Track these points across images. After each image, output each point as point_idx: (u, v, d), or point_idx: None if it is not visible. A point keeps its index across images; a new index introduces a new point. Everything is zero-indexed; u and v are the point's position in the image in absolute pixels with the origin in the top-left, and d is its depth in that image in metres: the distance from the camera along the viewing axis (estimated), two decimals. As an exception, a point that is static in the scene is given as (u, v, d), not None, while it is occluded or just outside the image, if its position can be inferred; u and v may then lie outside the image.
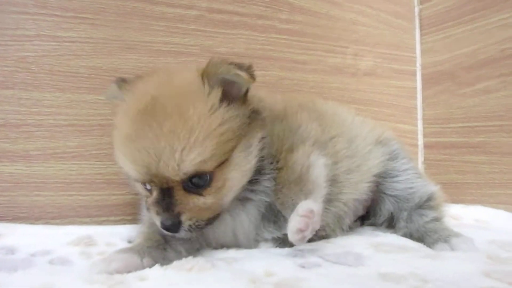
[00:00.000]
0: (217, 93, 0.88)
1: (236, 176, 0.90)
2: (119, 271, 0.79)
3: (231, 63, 0.89)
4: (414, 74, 1.90)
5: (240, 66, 0.89)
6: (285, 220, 0.93)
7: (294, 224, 0.87)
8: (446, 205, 1.19)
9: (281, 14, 1.57)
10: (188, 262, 0.84)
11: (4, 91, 1.16)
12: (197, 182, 0.87)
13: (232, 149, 0.88)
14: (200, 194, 0.88)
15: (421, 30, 1.91)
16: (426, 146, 1.86)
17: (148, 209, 0.91)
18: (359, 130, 1.19)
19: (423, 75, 1.89)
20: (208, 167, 0.85)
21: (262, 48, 1.52)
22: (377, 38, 1.81)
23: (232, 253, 0.96)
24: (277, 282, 0.74)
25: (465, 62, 1.70)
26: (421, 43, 1.91)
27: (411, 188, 1.17)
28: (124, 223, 1.25)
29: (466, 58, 1.70)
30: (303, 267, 0.83)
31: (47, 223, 1.18)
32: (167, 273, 0.79)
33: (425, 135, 1.87)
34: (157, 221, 0.87)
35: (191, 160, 0.84)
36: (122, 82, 0.95)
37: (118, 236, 1.09)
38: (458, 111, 1.71)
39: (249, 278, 0.75)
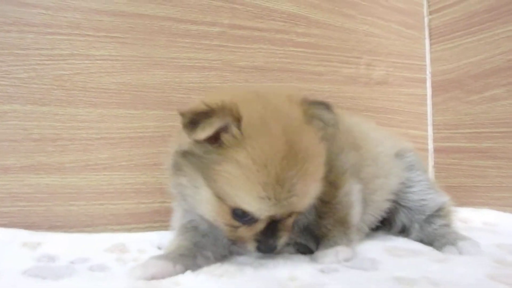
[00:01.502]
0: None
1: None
2: (154, 277, 0.79)
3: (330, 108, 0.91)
4: (424, 81, 1.90)
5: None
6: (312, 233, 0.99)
7: (331, 261, 0.91)
8: (455, 212, 1.20)
9: (298, 28, 1.58)
10: (218, 268, 0.85)
11: (41, 108, 1.17)
12: None
13: None
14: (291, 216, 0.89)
15: (430, 40, 1.92)
16: (436, 150, 1.86)
17: (238, 238, 0.88)
18: (382, 147, 1.18)
19: (432, 83, 1.89)
20: None
21: (280, 61, 1.53)
22: (389, 48, 1.83)
23: (256, 258, 0.95)
24: (301, 287, 0.76)
25: (472, 71, 1.71)
26: (431, 52, 1.92)
27: (423, 200, 1.17)
28: (152, 230, 1.26)
29: (473, 67, 1.71)
30: (323, 271, 0.85)
31: (80, 231, 1.18)
32: (199, 278, 0.80)
33: (435, 140, 1.87)
34: (252, 246, 0.87)
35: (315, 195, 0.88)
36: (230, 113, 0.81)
37: (148, 242, 1.10)
38: (466, 118, 1.72)
39: (276, 284, 0.77)
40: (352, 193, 1.01)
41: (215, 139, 0.81)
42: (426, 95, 1.90)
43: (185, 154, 0.87)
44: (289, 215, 0.87)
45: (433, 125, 1.88)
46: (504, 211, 1.51)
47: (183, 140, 0.87)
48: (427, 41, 1.93)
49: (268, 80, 1.49)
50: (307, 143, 0.84)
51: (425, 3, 1.95)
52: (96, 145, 1.24)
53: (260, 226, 0.85)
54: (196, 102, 0.86)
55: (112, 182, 1.26)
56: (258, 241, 0.86)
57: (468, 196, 1.68)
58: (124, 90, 1.28)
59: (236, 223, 0.85)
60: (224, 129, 0.80)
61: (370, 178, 1.09)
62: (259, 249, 0.86)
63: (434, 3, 1.91)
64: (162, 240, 1.09)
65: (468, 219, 1.43)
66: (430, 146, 1.88)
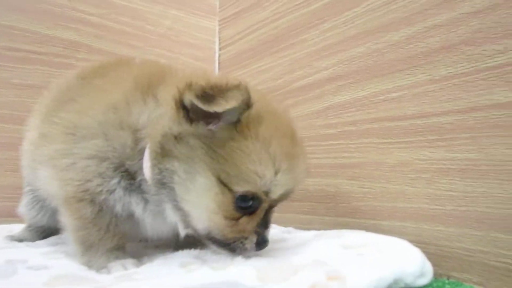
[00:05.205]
0: None
1: None
2: None
3: None
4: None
5: None
6: None
7: None
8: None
9: (78, 54, 1.71)
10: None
11: None
12: None
13: None
14: None
15: (219, 71, 2.12)
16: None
17: (238, 233, 0.82)
18: None
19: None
20: None
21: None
22: (175, 77, 1.97)
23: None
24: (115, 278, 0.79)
25: (241, 97, 1.90)
26: (220, 81, 2.10)
27: None
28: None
29: (241, 94, 1.91)
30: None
31: None
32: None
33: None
34: (252, 241, 0.82)
35: None
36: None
37: None
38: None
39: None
40: None
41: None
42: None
43: (178, 137, 0.80)
44: (282, 199, 0.85)
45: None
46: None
47: (172, 123, 0.80)
48: (216, 72, 2.10)
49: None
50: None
51: (217, 40, 2.13)
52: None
53: (260, 214, 0.82)
54: (197, 77, 0.79)
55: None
56: (258, 234, 0.82)
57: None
58: None
59: (237, 214, 0.81)
60: (244, 105, 0.77)
61: None
62: (258, 244, 0.82)
63: (224, 41, 2.10)
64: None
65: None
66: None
